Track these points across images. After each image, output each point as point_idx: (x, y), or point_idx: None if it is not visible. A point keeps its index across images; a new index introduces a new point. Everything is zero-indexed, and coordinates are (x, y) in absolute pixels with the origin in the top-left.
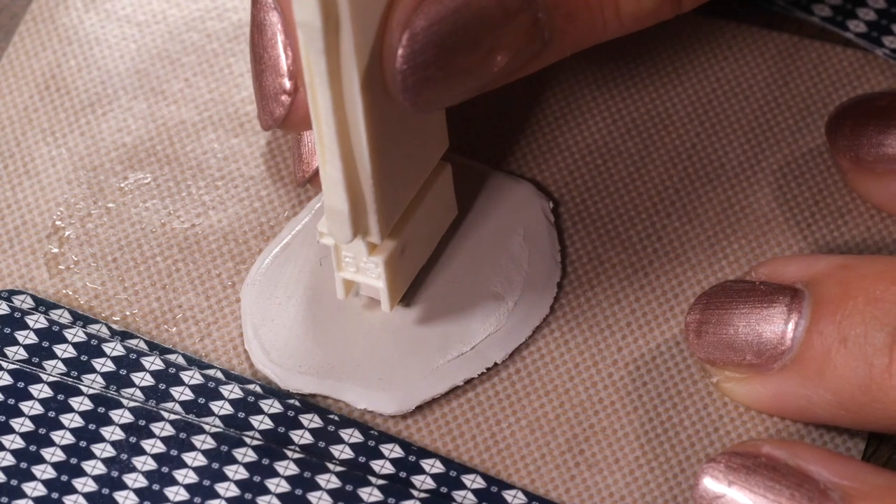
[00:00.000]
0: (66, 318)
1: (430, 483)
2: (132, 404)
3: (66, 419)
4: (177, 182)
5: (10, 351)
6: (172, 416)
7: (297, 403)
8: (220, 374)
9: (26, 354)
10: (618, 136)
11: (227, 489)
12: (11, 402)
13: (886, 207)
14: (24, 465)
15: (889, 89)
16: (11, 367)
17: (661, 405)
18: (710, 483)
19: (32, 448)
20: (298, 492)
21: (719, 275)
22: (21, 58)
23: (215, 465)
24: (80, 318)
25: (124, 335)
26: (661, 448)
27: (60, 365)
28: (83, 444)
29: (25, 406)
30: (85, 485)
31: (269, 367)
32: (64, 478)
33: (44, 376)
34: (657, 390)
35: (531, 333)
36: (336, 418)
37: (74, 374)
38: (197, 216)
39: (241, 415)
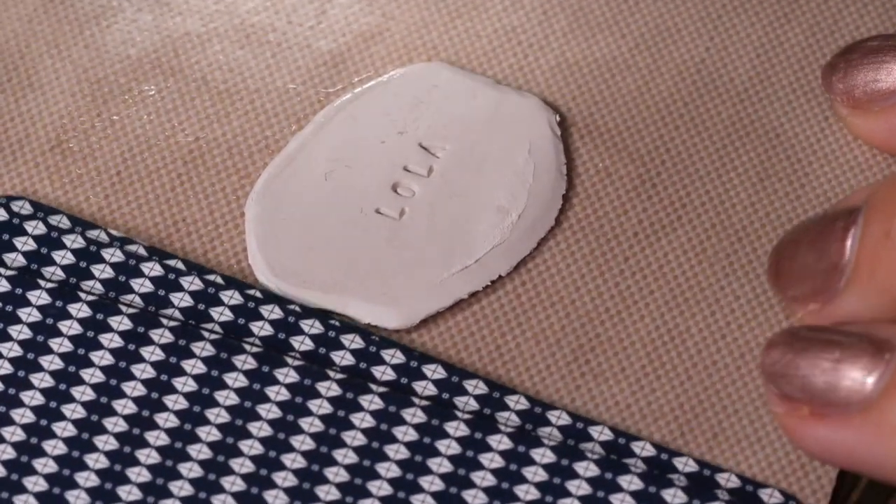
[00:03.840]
0: (64, 223)
1: (431, 389)
2: (131, 311)
3: (63, 326)
4: (181, 95)
5: (9, 258)
6: (171, 323)
7: (297, 309)
8: (220, 279)
9: (24, 261)
10: (626, 49)
11: (227, 397)
12: (9, 308)
13: (888, 146)
14: (21, 373)
15: (881, 33)
16: (9, 273)
17: (667, 313)
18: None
19: (30, 356)
20: (299, 400)
21: (727, 185)
22: None
23: (215, 373)
24: (79, 224)
25: (123, 241)
26: (667, 356)
27: (59, 272)
28: (81, 351)
29: (23, 313)
30: (83, 393)
31: (273, 281)
32: (62, 386)
33: (42, 283)
34: (664, 298)
35: (536, 246)
36: (337, 324)
37: (73, 280)
38: (201, 129)
39: (241, 321)
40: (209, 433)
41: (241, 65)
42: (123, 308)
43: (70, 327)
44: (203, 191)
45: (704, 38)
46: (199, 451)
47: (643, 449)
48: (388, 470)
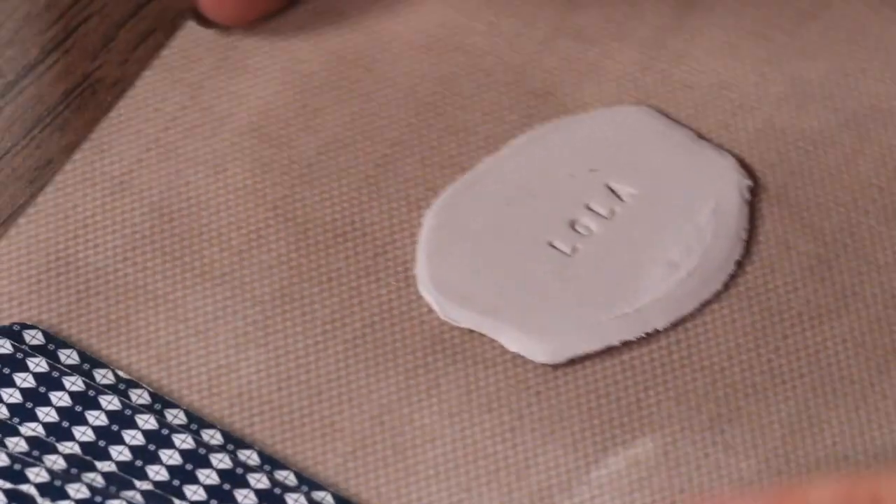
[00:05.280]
0: (73, 359)
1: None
2: (106, 469)
3: (31, 473)
4: (388, 100)
5: (6, 393)
6: (144, 487)
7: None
8: (218, 437)
9: (21, 398)
10: (834, 125)
11: None
12: None
13: None
14: None
15: None
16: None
17: (812, 399)
18: None
19: None
20: None
21: None
22: None
23: None
24: (88, 361)
25: (129, 384)
26: (801, 443)
27: (52, 413)
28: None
29: None
30: None
31: (433, 293)
32: None
33: (23, 429)
34: (812, 384)
35: (698, 306)
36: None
37: (66, 423)
38: (399, 136)
39: (227, 486)
40: None
41: (451, 81)
42: (99, 465)
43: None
44: (388, 195)
45: None
46: None
47: None
48: None
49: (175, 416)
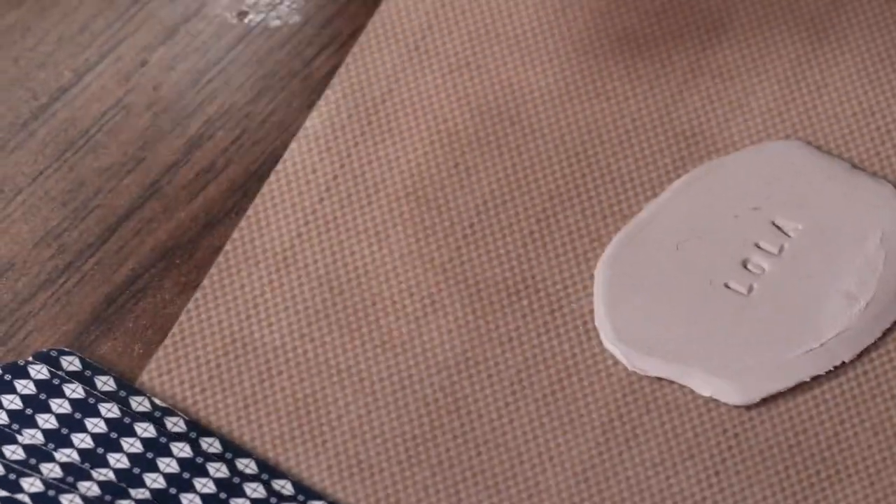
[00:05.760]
0: (109, 385)
1: None
2: (140, 497)
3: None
4: (538, 152)
5: (42, 419)
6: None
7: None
8: (252, 466)
9: (56, 424)
10: None
11: None
12: (13, 478)
13: None
14: None
15: None
16: (29, 441)
17: None
18: None
19: None
20: None
21: None
22: (393, 17)
23: None
24: (124, 388)
25: (165, 412)
26: None
27: (88, 440)
28: None
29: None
30: None
31: (619, 345)
32: None
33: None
34: None
35: (881, 335)
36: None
37: (101, 450)
38: (556, 188)
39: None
40: None
41: (599, 127)
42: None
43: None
44: (554, 249)
45: None
46: None
47: None
48: None
49: (210, 445)
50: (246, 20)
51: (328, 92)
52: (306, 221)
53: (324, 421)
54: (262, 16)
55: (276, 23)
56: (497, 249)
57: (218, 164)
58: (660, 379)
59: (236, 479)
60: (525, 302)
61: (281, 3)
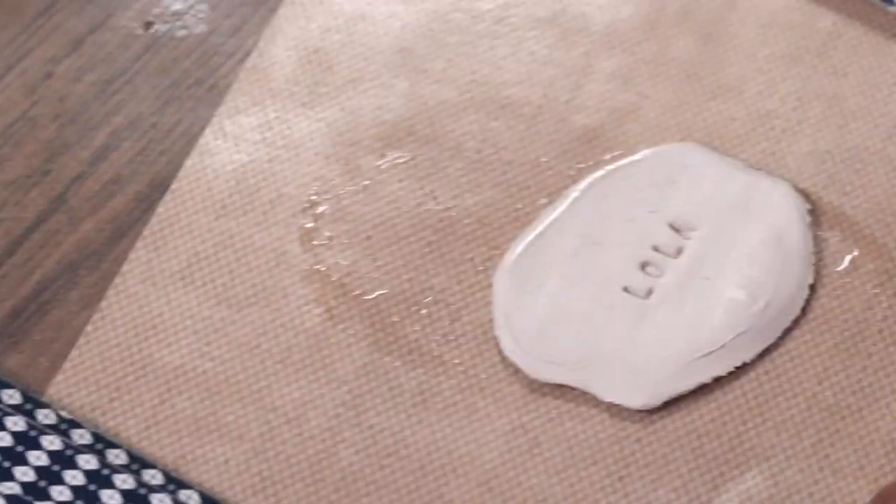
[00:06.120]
0: (16, 398)
1: None
2: None
3: None
4: (434, 163)
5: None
6: None
7: None
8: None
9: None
10: (878, 139)
11: None
12: None
13: None
14: None
15: None
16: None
17: None
18: None
19: None
20: None
21: None
22: (286, 29)
23: None
24: (31, 401)
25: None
26: None
27: None
28: None
29: None
30: None
31: (519, 355)
32: None
33: None
34: None
35: (781, 335)
36: None
37: (7, 464)
38: (453, 198)
39: None
40: None
41: (495, 136)
42: None
43: None
44: (452, 260)
45: None
46: None
47: None
48: None
49: (116, 457)
50: (152, 30)
51: (221, 109)
52: (203, 240)
53: (226, 439)
54: (167, 26)
55: (182, 32)
56: (395, 261)
57: (124, 175)
58: (561, 386)
59: (143, 491)
60: (424, 312)
61: (187, 12)
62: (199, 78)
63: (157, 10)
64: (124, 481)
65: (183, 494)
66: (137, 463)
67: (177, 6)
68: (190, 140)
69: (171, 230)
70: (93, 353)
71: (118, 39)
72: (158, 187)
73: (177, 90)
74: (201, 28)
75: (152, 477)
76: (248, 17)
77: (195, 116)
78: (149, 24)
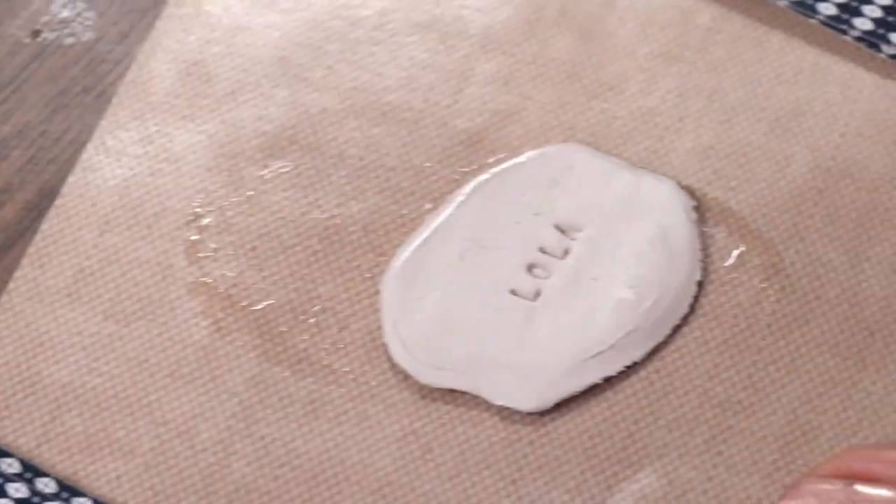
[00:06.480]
0: (51, 487)
1: None
2: None
3: None
4: (318, 171)
5: None
6: None
7: None
8: None
9: None
10: (760, 134)
11: None
12: None
13: None
14: None
15: None
16: None
17: (799, 407)
18: None
19: None
20: None
21: (861, 277)
22: (164, 42)
23: None
24: (66, 489)
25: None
26: (798, 451)
27: None
28: None
29: None
30: None
31: (408, 361)
32: None
33: None
34: (796, 392)
35: (670, 332)
36: None
37: None
38: (337, 206)
39: None
40: None
41: (377, 142)
42: None
43: None
44: (339, 268)
45: (840, 122)
46: None
47: None
48: None
49: (10, 466)
50: (39, 38)
51: (102, 123)
52: (88, 256)
53: (118, 454)
54: (55, 34)
55: (70, 40)
56: (281, 271)
57: (13, 185)
58: (452, 391)
59: (36, 500)
60: (312, 321)
61: (74, 20)
62: (87, 85)
63: (44, 19)
64: (17, 490)
65: (76, 502)
66: (31, 472)
67: (64, 14)
68: (79, 148)
69: (55, 247)
70: None
71: (6, 48)
72: (48, 196)
73: (65, 98)
74: (89, 35)
75: (45, 485)
76: (135, 24)
77: (83, 124)
78: (36, 33)
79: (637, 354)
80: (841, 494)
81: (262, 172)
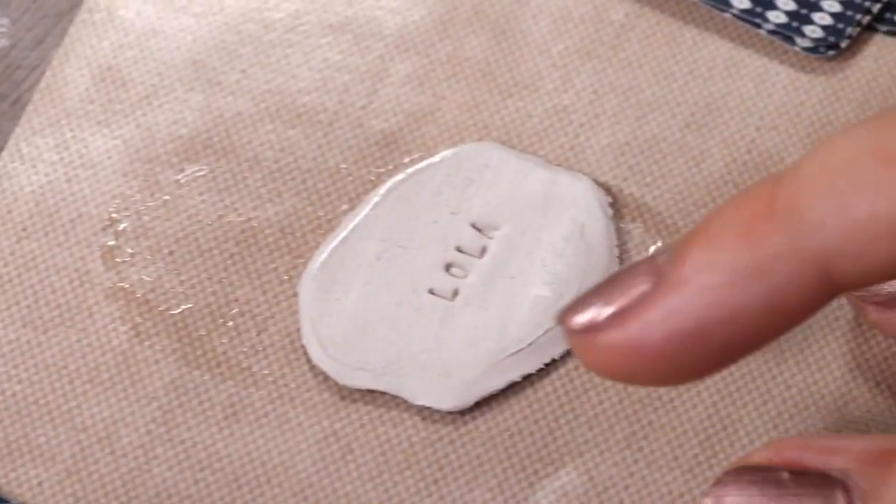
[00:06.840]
0: None
1: None
2: None
3: None
4: (233, 174)
5: None
6: None
7: None
8: None
9: None
10: (676, 129)
11: None
12: None
13: None
14: None
15: None
16: None
17: (720, 402)
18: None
19: None
20: None
21: None
22: (78, 48)
23: None
24: None
25: None
26: (720, 445)
27: None
28: None
29: None
30: None
31: (327, 362)
32: None
33: None
34: (716, 387)
35: None
36: None
37: None
38: (254, 209)
39: None
40: None
41: (292, 145)
42: None
43: None
44: (256, 271)
45: (755, 116)
46: None
47: None
48: None
49: None
50: None
51: (17, 131)
52: (5, 263)
53: (38, 461)
54: None
55: None
56: (199, 275)
57: None
58: (372, 391)
59: None
60: (231, 324)
61: None
62: (3, 92)
63: None
64: None
65: None
66: None
67: None
68: None
69: None
70: None
71: None
72: None
73: None
74: (3, 42)
75: None
76: (50, 29)
77: None
78: None
79: (556, 352)
80: (778, 479)
81: (178, 177)
